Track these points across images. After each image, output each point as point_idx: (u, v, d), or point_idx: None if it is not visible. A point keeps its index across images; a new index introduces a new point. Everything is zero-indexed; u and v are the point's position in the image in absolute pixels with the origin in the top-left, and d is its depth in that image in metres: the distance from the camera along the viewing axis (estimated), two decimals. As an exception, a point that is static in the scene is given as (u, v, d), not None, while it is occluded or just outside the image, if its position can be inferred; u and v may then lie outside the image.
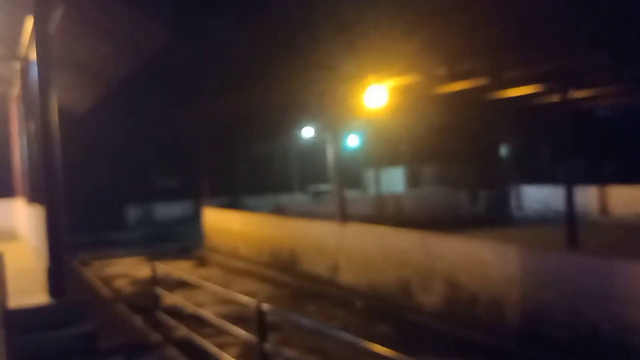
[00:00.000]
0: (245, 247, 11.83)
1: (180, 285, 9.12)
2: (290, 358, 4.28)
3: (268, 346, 4.11)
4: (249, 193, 21.49)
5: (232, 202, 20.19)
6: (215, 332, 6.27)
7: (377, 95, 9.05)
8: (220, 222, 13.33)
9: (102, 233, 16.96)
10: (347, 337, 3.14)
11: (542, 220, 16.09)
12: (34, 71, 5.67)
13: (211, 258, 12.70)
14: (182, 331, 5.75)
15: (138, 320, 6.62)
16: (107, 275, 11.00)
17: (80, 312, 5.52)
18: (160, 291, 6.40)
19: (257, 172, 24.50)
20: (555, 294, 5.38)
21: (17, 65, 9.11)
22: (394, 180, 20.61)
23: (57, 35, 6.44)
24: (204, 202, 14.98)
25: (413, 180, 20.28)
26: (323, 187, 19.63)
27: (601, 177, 16.05)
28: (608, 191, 15.36)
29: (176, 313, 6.81)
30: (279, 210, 14.99)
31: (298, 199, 20.13)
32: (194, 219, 18.42)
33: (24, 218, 9.90)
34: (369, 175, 21.51)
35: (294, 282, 9.31)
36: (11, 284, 5.07)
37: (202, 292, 8.62)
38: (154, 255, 13.17)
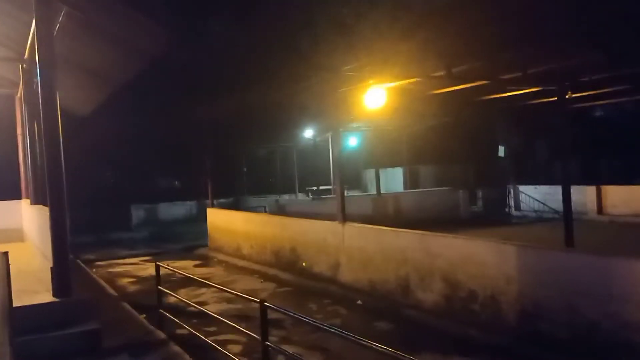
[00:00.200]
0: (247, 247, 11.92)
1: (183, 284, 9.22)
2: (292, 355, 4.35)
3: (270, 343, 4.20)
4: (251, 193, 21.59)
5: (235, 202, 20.29)
6: (218, 329, 6.37)
7: (376, 96, 9.13)
8: (223, 222, 13.42)
9: (106, 233, 17.05)
10: (348, 334, 3.22)
11: (539, 219, 16.19)
12: (37, 73, 5.72)
13: (214, 257, 12.79)
14: (186, 329, 5.83)
15: (142, 319, 6.69)
16: (111, 275, 11.08)
17: (85, 311, 5.59)
18: (164, 290, 6.48)
19: (258, 172, 24.60)
20: (553, 292, 5.45)
21: (21, 67, 9.19)
22: (394, 180, 20.70)
23: (59, 37, 6.52)
24: (206, 202, 15.07)
25: (412, 180, 20.37)
26: (323, 187, 19.71)
27: (599, 177, 16.15)
28: (605, 190, 15.45)
29: (180, 311, 6.90)
30: (280, 210, 15.07)
31: (299, 199, 20.20)
32: (197, 219, 18.53)
33: (29, 219, 9.98)
34: (369, 175, 21.60)
35: (295, 281, 9.40)
36: (16, 283, 5.12)
37: (206, 290, 8.71)
38: (157, 254, 13.29)
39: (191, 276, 6.35)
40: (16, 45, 8.79)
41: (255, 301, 4.24)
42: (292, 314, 4.05)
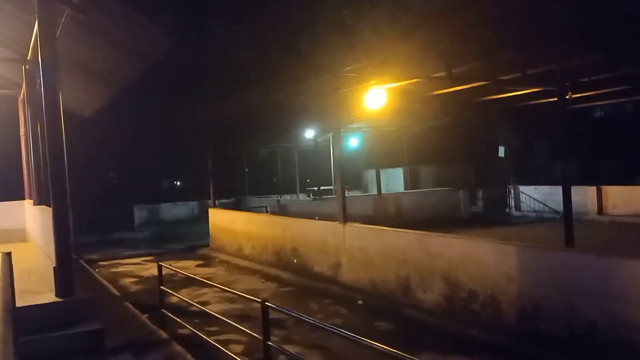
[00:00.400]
0: (249, 247, 11.95)
1: (186, 284, 9.26)
2: (294, 355, 4.39)
3: (272, 343, 4.24)
4: (253, 193, 21.64)
5: (236, 203, 20.34)
6: (220, 329, 6.40)
7: (377, 97, 9.16)
8: (224, 222, 13.46)
9: (109, 233, 17.11)
10: (349, 334, 3.25)
11: (540, 220, 16.21)
12: (40, 74, 5.75)
13: (216, 257, 12.83)
14: (188, 329, 5.86)
15: (145, 319, 6.73)
16: (113, 275, 11.12)
17: (88, 311, 5.63)
18: (166, 290, 6.51)
19: (260, 173, 24.66)
20: (553, 291, 5.47)
21: (24, 68, 9.23)
22: (394, 180, 20.73)
23: (62, 38, 6.55)
24: (208, 202, 15.11)
25: (413, 181, 20.39)
26: (324, 187, 19.75)
27: (599, 177, 16.16)
28: (606, 191, 15.46)
29: (182, 311, 6.94)
30: (281, 211, 15.11)
31: (300, 199, 20.23)
32: (199, 219, 18.59)
33: (32, 219, 10.02)
34: (370, 175, 21.62)
35: (297, 281, 9.44)
36: (19, 283, 5.17)
37: (208, 290, 8.75)
38: (159, 254, 13.33)
39: (193, 276, 6.38)
40: (19, 46, 8.83)
41: (256, 301, 4.27)
42: (293, 314, 4.08)
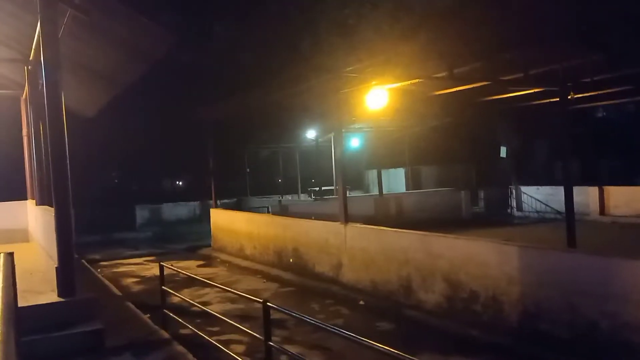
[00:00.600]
0: (250, 247, 11.97)
1: (187, 284, 9.27)
2: (295, 355, 4.39)
3: (273, 343, 4.24)
4: (254, 194, 21.66)
5: (238, 203, 20.37)
6: (221, 329, 6.41)
7: (378, 97, 9.16)
8: (226, 222, 13.48)
9: (111, 233, 17.15)
10: (350, 334, 3.25)
11: (542, 220, 16.19)
12: (43, 74, 5.76)
13: (217, 257, 12.84)
14: (189, 329, 5.87)
15: (146, 319, 6.74)
16: (115, 275, 11.14)
17: (89, 311, 5.64)
18: (167, 290, 6.52)
19: (261, 173, 24.69)
20: (555, 292, 5.47)
21: (26, 68, 9.25)
22: (396, 180, 20.73)
23: (64, 38, 6.57)
24: (210, 202, 15.13)
25: (414, 181, 20.39)
26: (326, 187, 19.75)
27: (601, 177, 16.13)
28: (608, 191, 15.44)
29: (183, 311, 6.95)
30: (283, 211, 15.12)
31: (302, 199, 20.24)
32: (200, 220, 18.62)
33: (34, 219, 10.04)
34: (371, 175, 21.62)
35: (298, 281, 9.44)
36: (21, 283, 5.17)
37: (209, 290, 8.76)
38: (161, 254, 13.36)
39: (194, 276, 6.39)
40: (21, 46, 8.85)
41: (258, 301, 4.28)
42: (294, 314, 4.09)
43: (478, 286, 6.31)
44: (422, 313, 6.95)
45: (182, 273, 6.77)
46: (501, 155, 18.27)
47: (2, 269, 2.95)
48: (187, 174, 26.93)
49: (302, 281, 9.37)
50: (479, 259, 6.35)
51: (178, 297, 6.67)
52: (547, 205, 16.63)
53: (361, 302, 7.80)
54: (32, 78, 8.98)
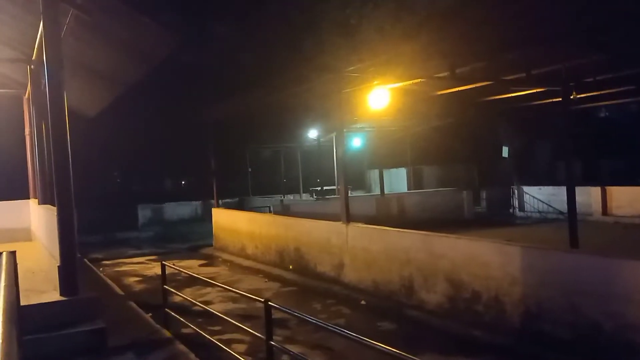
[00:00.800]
0: (252, 246, 11.98)
1: (189, 283, 9.29)
2: (297, 355, 4.39)
3: (275, 343, 4.24)
4: (256, 193, 21.68)
5: (240, 202, 20.39)
6: (223, 329, 6.42)
7: (380, 97, 9.16)
8: (228, 222, 13.49)
9: (113, 232, 17.20)
10: (352, 334, 3.25)
11: (544, 220, 16.17)
12: (45, 74, 5.77)
13: (219, 257, 12.86)
14: (191, 328, 5.88)
15: (148, 318, 6.75)
16: (117, 274, 11.17)
17: (91, 310, 5.64)
18: (169, 289, 6.53)
19: (263, 172, 24.72)
20: (557, 293, 5.46)
21: (29, 68, 9.27)
22: (397, 180, 20.71)
23: (67, 38, 6.58)
24: (212, 202, 15.15)
25: (416, 181, 20.37)
26: (327, 187, 19.75)
27: (603, 178, 16.10)
28: (610, 191, 15.40)
29: (185, 310, 6.96)
30: (284, 210, 15.12)
31: (303, 199, 20.24)
32: (202, 219, 18.65)
33: (37, 218, 10.07)
34: (373, 175, 21.61)
35: (300, 280, 9.44)
36: (24, 282, 5.19)
37: (211, 290, 8.77)
38: (163, 254, 13.38)
39: (196, 276, 6.40)
40: (24, 46, 8.88)
41: (259, 301, 4.28)
42: (296, 313, 4.09)
43: (480, 286, 6.30)
44: (423, 313, 6.94)
45: (184, 272, 6.78)
46: (503, 155, 18.25)
47: (4, 267, 2.96)
48: (189, 173, 26.99)
49: (303, 281, 9.37)
50: (481, 259, 6.34)
51: (180, 296, 6.68)
52: (550, 206, 16.60)
53: (363, 302, 7.80)
54: (35, 78, 9.01)
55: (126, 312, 7.15)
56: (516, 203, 17.96)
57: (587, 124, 16.88)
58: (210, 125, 14.21)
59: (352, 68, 8.53)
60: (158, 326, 6.28)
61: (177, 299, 7.15)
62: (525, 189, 17.79)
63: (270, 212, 16.40)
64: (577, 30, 7.45)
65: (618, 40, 7.83)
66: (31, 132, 10.50)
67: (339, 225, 8.91)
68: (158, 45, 7.02)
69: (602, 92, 11.60)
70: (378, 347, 2.86)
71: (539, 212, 17.01)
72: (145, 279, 10.63)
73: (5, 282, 2.49)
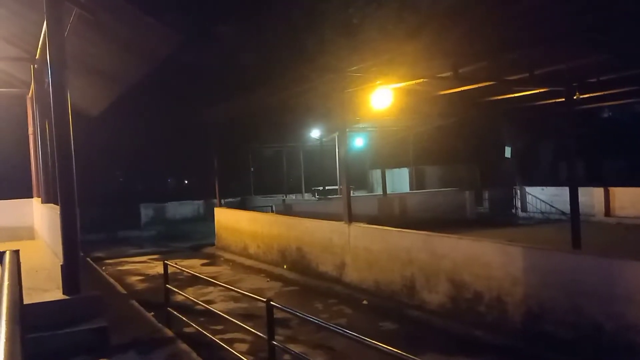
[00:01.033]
0: (254, 246, 11.99)
1: (191, 282, 9.30)
2: (298, 354, 4.40)
3: (277, 342, 4.25)
4: (258, 193, 21.70)
5: (242, 202, 20.42)
6: (225, 328, 6.43)
7: (382, 97, 9.15)
8: (230, 221, 13.51)
9: (115, 231, 17.24)
10: (353, 334, 3.25)
11: (546, 221, 16.13)
12: (49, 73, 5.78)
13: (221, 256, 12.88)
14: (193, 327, 5.89)
15: (150, 317, 6.77)
16: (120, 273, 11.19)
17: (94, 309, 5.66)
18: (171, 288, 6.55)
19: (265, 172, 24.74)
20: (559, 293, 5.45)
21: (32, 67, 9.30)
22: (400, 180, 20.70)
23: (70, 37, 6.59)
24: (214, 201, 15.17)
25: (418, 181, 20.35)
26: (330, 187, 19.75)
27: (606, 178, 16.06)
28: (613, 192, 15.36)
29: (187, 309, 6.97)
30: (287, 210, 15.14)
31: (306, 198, 20.25)
32: (205, 218, 18.69)
33: (40, 217, 10.10)
34: (375, 175, 21.60)
35: (301, 280, 9.45)
36: (27, 281, 5.21)
37: (213, 289, 8.78)
38: (165, 253, 13.41)
39: (198, 275, 6.41)
40: (27, 45, 8.90)
41: (261, 300, 4.29)
42: (298, 313, 4.09)
43: (482, 287, 6.29)
44: (425, 313, 6.94)
45: (186, 272, 6.80)
46: (506, 156, 18.22)
47: (7, 266, 2.97)
48: (191, 173, 27.01)
49: (305, 280, 9.37)
50: (483, 260, 6.34)
51: (182, 295, 6.69)
52: (552, 206, 16.56)
53: (364, 302, 7.80)
54: (38, 76, 9.03)
55: (128, 311, 7.16)
56: (519, 203, 17.93)
57: (590, 125, 16.82)
58: (213, 124, 14.24)
59: (355, 68, 8.53)
60: (160, 325, 6.29)
61: (179, 298, 7.17)
62: (528, 189, 17.76)
63: (272, 211, 16.42)
64: (580, 30, 7.42)
65: (621, 40, 7.80)
66: (34, 131, 10.53)
67: (341, 225, 8.91)
68: (161, 45, 7.02)
69: (606, 92, 11.57)
70: (379, 347, 2.87)
71: (542, 212, 16.98)
72: (148, 278, 10.65)
73: (8, 281, 2.50)
